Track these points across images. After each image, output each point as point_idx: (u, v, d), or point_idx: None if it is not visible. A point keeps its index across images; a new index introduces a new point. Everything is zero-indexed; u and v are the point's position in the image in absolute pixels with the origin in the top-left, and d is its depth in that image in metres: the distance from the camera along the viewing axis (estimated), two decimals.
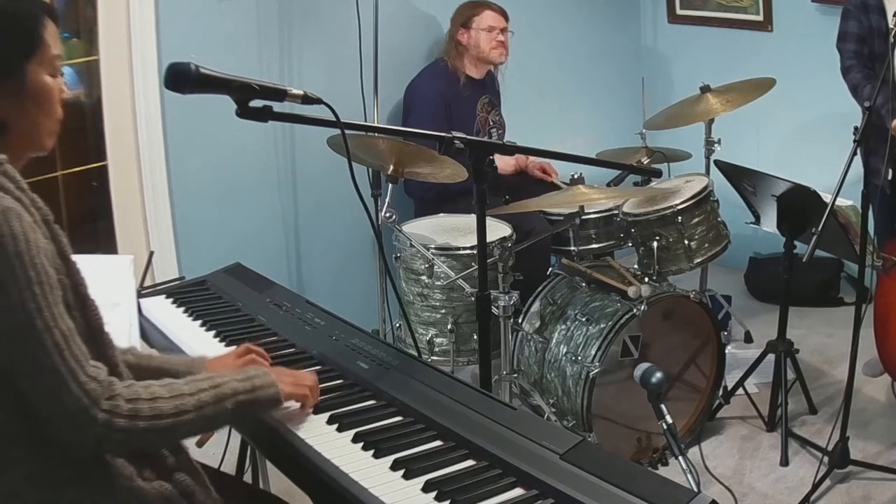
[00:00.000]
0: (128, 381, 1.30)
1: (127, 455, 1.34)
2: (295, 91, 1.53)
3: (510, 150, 2.01)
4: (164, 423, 1.27)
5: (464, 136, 1.75)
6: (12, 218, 1.19)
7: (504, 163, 3.61)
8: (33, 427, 1.25)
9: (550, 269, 3.27)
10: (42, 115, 1.33)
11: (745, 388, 3.16)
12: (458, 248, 2.88)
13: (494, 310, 2.61)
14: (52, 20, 1.32)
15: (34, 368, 1.20)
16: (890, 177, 2.87)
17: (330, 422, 1.52)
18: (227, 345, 1.87)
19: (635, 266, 3.20)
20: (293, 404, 1.54)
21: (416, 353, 2.07)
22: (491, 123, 3.71)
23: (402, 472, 1.36)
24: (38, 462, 1.27)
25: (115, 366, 1.36)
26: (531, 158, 3.76)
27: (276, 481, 2.27)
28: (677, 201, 3.08)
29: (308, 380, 1.56)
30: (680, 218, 3.06)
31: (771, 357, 3.01)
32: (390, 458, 1.39)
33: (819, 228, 2.35)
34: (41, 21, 1.30)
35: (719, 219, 3.23)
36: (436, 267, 2.84)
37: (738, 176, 3.00)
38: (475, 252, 2.24)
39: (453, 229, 3.06)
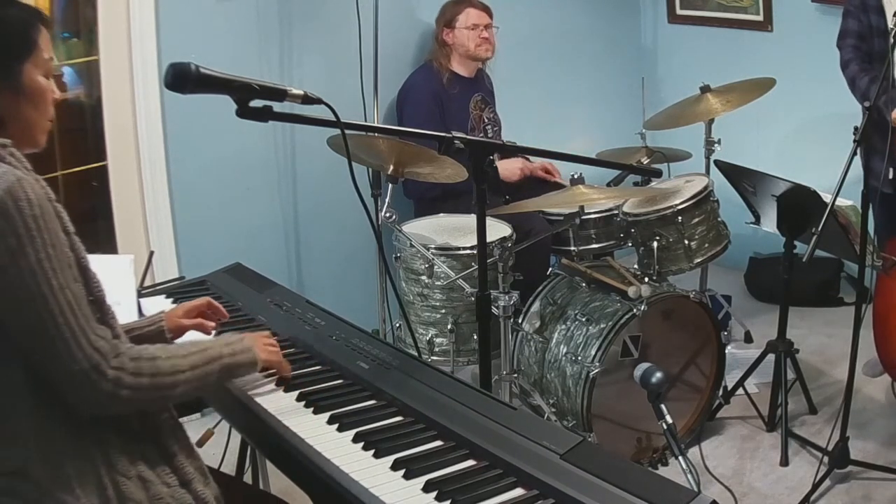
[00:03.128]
0: (128, 343, 1.40)
1: (130, 419, 1.40)
2: (295, 91, 1.53)
3: (510, 150, 2.01)
4: (164, 380, 1.38)
5: (464, 135, 1.76)
6: (27, 185, 1.27)
7: (510, 172, 3.61)
8: (39, 402, 1.31)
9: (550, 269, 3.27)
10: (36, 113, 1.40)
11: (745, 388, 3.16)
12: (458, 248, 2.88)
13: (494, 310, 2.61)
14: (44, 26, 1.41)
15: (48, 328, 1.26)
16: (892, 176, 2.87)
17: (330, 422, 1.52)
18: None
19: (635, 266, 3.20)
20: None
21: (416, 353, 2.07)
22: (486, 121, 3.70)
23: (402, 472, 1.36)
24: (43, 436, 1.32)
25: (117, 336, 1.42)
26: (534, 161, 3.76)
27: (276, 481, 2.27)
28: (677, 201, 3.08)
29: (276, 345, 1.69)
30: (680, 218, 3.06)
31: (771, 357, 3.01)
32: (390, 458, 1.39)
33: (819, 228, 2.35)
34: (36, 26, 1.38)
35: (719, 219, 3.23)
36: (436, 267, 2.84)
37: (738, 176, 3.00)
38: (475, 252, 2.24)
39: (453, 229, 3.06)
